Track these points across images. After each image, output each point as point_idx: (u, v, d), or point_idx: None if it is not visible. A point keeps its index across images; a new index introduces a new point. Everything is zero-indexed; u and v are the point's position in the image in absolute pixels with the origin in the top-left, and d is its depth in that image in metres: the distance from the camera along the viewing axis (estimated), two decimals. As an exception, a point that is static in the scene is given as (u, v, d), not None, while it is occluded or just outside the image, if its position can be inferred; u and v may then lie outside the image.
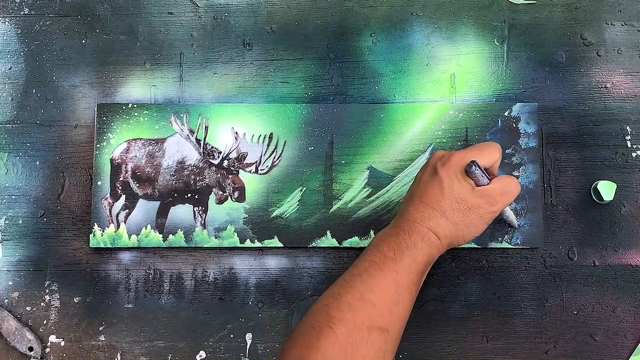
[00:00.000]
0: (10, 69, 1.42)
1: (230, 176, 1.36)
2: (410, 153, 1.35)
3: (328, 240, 1.33)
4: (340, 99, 1.39)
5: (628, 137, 1.37)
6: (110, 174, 1.36)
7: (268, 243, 1.33)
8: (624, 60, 1.40)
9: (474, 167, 1.10)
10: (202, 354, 1.34)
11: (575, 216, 1.36)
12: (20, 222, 1.38)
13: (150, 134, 1.37)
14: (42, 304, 1.36)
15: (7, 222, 1.38)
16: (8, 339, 1.32)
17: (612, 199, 1.33)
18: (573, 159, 1.37)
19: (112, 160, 1.36)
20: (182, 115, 1.37)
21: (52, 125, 1.40)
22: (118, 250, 1.36)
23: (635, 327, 1.32)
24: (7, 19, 1.44)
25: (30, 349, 1.32)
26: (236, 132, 1.37)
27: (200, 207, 1.35)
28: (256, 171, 1.36)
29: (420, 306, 1.34)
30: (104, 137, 1.36)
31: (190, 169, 1.37)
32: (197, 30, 1.43)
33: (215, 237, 1.33)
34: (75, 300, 1.36)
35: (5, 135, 1.40)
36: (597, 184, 1.33)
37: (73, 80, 1.42)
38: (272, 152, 1.36)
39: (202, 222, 1.34)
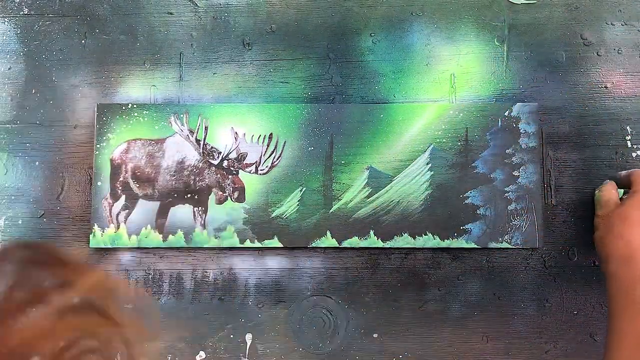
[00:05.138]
0: (9, 69, 1.42)
1: (230, 176, 1.36)
2: (410, 153, 1.35)
3: (328, 241, 1.33)
4: (340, 99, 1.39)
5: (628, 137, 1.37)
6: (110, 174, 1.36)
7: (268, 243, 1.33)
8: (624, 60, 1.40)
9: None
10: (202, 354, 1.34)
11: (575, 216, 1.36)
12: (20, 222, 1.38)
13: (150, 134, 1.37)
14: (42, 304, 1.36)
15: (6, 222, 1.38)
16: None
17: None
18: (573, 159, 1.37)
19: (112, 160, 1.36)
20: (181, 115, 1.37)
21: (51, 126, 1.40)
22: (118, 250, 1.36)
23: (635, 327, 1.32)
24: (6, 19, 1.44)
25: None
26: (236, 132, 1.37)
27: (200, 208, 1.35)
28: (256, 171, 1.36)
29: (420, 306, 1.34)
30: (104, 137, 1.36)
31: (190, 169, 1.37)
32: (197, 30, 1.43)
33: (215, 238, 1.33)
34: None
35: (5, 136, 1.40)
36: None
37: (73, 80, 1.42)
38: (272, 152, 1.36)
39: (202, 222, 1.34)
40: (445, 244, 1.32)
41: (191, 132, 1.37)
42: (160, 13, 1.44)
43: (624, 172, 1.27)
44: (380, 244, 1.32)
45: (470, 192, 1.33)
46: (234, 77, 1.41)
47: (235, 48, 1.42)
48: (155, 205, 1.36)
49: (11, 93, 1.42)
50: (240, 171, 1.36)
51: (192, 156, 1.37)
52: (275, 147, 1.36)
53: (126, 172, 1.36)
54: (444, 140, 1.35)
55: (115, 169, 1.36)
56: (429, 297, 1.34)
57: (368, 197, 1.35)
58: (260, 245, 1.34)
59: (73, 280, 0.74)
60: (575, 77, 1.40)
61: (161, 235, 1.34)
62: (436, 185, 1.34)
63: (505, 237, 1.32)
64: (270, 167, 1.36)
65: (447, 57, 1.41)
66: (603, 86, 1.39)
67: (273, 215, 1.34)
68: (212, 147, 1.37)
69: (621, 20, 1.41)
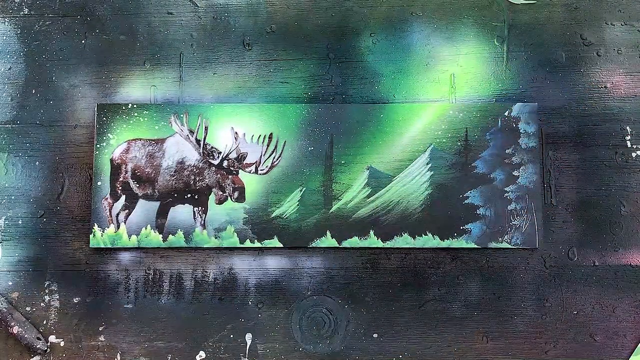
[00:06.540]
0: (10, 69, 1.42)
1: (230, 176, 1.36)
2: (410, 153, 1.35)
3: (328, 240, 1.33)
4: (340, 99, 1.39)
5: (628, 137, 1.37)
6: (110, 174, 1.36)
7: (268, 243, 1.33)
8: (624, 60, 1.40)
9: None
10: (202, 354, 1.34)
11: (575, 216, 1.36)
12: (20, 222, 1.38)
13: (150, 134, 1.37)
14: (41, 304, 1.36)
15: (7, 222, 1.38)
16: (19, 328, 1.33)
17: None
18: (573, 159, 1.37)
19: (112, 160, 1.36)
20: (181, 115, 1.37)
21: (52, 126, 1.40)
22: (118, 250, 1.36)
23: (635, 327, 1.32)
24: (7, 19, 1.44)
25: (39, 339, 1.34)
26: (236, 132, 1.37)
27: (200, 208, 1.35)
28: (256, 171, 1.36)
29: (420, 306, 1.34)
30: (104, 138, 1.36)
31: (190, 169, 1.37)
32: (197, 30, 1.43)
33: (215, 237, 1.33)
34: (75, 300, 1.36)
35: (5, 136, 1.40)
36: None
37: (73, 80, 1.42)
38: (272, 152, 1.36)
39: (202, 222, 1.34)
40: (445, 244, 1.32)
41: (191, 132, 1.37)
42: (160, 13, 1.44)
43: None
44: (380, 244, 1.32)
45: (470, 192, 1.33)
46: (234, 77, 1.41)
47: (235, 48, 1.42)
48: (155, 205, 1.36)
49: (11, 93, 1.42)
50: (240, 171, 1.36)
51: (192, 156, 1.37)
52: (275, 147, 1.36)
53: (126, 172, 1.36)
54: (444, 140, 1.35)
55: (115, 169, 1.36)
56: (429, 297, 1.34)
57: (368, 197, 1.35)
58: (260, 245, 1.34)
59: None
60: (575, 77, 1.40)
61: (161, 235, 1.34)
62: (436, 185, 1.34)
63: (505, 237, 1.32)
64: (270, 167, 1.36)
65: (447, 57, 1.41)
66: (603, 86, 1.39)
67: (273, 215, 1.34)
68: (212, 147, 1.37)
69: (621, 20, 1.41)
